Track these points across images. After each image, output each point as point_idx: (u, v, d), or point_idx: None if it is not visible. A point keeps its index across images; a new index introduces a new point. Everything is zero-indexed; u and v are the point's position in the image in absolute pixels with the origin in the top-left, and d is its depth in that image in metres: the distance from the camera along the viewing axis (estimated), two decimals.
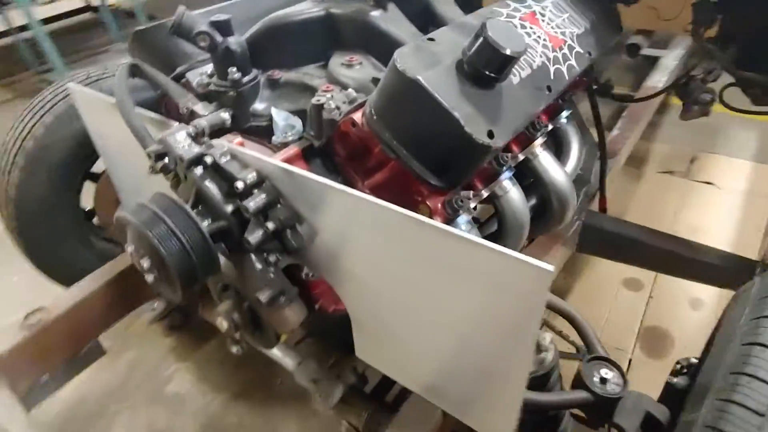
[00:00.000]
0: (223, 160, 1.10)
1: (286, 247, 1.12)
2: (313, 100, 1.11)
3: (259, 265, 1.08)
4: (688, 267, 1.73)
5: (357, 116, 1.05)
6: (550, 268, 0.70)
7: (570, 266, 2.33)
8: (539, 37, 1.16)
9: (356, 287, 1.01)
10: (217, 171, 1.10)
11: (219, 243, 1.10)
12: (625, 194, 2.83)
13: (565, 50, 1.19)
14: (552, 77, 1.13)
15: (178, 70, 1.40)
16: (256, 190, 1.08)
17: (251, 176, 1.07)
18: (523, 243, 1.34)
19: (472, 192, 1.13)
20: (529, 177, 1.41)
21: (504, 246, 1.25)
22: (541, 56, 1.12)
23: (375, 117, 1.00)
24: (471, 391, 0.92)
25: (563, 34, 1.21)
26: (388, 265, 0.88)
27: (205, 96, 1.29)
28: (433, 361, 0.96)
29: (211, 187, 1.10)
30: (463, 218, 1.09)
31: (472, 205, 1.10)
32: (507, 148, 1.33)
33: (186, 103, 1.29)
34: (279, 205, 1.07)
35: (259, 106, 1.28)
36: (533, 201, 1.51)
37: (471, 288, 0.78)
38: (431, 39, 1.02)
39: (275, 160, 1.05)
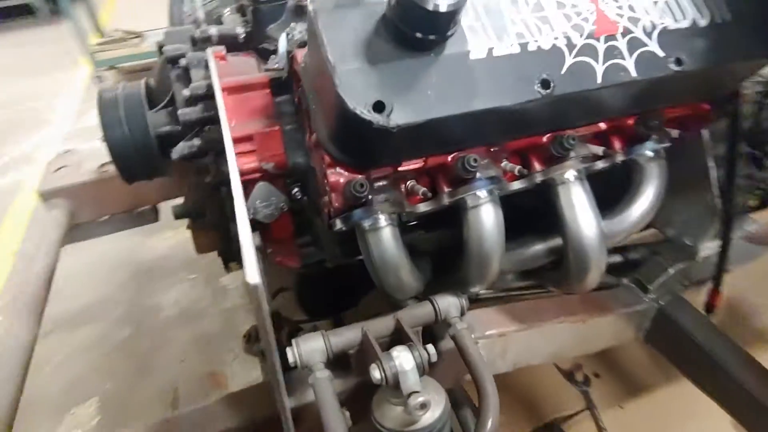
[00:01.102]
0: (192, 67, 1.09)
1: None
2: (286, 30, 1.00)
3: None
4: None
5: (301, 54, 0.91)
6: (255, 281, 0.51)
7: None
8: (577, 11, 0.81)
9: None
10: (186, 75, 1.10)
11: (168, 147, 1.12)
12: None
13: (620, 43, 0.81)
14: (563, 71, 0.79)
15: None
16: (198, 104, 1.05)
17: (200, 89, 1.04)
18: (491, 279, 1.04)
19: (408, 186, 0.90)
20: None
21: (464, 278, 1.02)
22: (558, 37, 0.79)
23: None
24: None
25: (631, 19, 0.82)
26: None
27: (239, 9, 1.28)
28: None
29: (176, 88, 1.10)
30: (360, 214, 0.88)
31: (382, 198, 0.88)
32: (506, 158, 1.02)
33: None
34: (211, 126, 1.03)
35: (276, 29, 1.22)
36: (552, 242, 1.16)
37: None
38: None
39: (218, 81, 0.99)
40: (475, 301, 1.53)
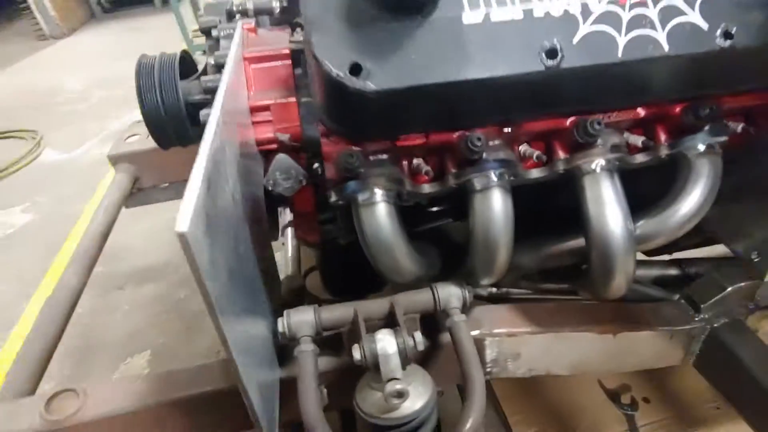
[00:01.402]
0: (222, 38, 1.12)
1: None
2: None
3: None
4: None
5: None
6: (182, 229, 0.51)
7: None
8: None
9: None
10: (217, 46, 1.13)
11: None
12: None
13: (651, 11, 0.70)
14: (576, 40, 0.70)
15: None
16: (218, 73, 1.07)
17: (224, 57, 1.07)
18: (499, 270, 0.96)
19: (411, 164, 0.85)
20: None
21: (471, 268, 0.96)
22: (571, 2, 0.69)
23: None
24: None
25: None
26: None
27: None
28: None
29: (208, 59, 1.14)
30: (354, 186, 0.85)
31: (378, 173, 0.84)
32: (525, 143, 0.94)
33: None
34: None
35: None
36: (578, 240, 1.05)
37: None
38: None
39: (236, 50, 1.01)
40: (502, 300, 1.45)
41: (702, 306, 1.20)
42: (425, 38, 0.67)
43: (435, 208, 1.28)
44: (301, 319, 0.95)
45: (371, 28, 0.66)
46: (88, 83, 6.00)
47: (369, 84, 0.66)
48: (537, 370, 1.17)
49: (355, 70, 0.65)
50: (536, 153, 0.92)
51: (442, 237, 1.28)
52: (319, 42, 0.65)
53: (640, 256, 1.56)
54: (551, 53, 0.69)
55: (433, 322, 1.05)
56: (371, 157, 0.86)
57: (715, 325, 1.20)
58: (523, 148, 0.94)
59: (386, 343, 0.86)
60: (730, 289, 1.17)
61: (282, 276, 1.66)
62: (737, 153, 1.15)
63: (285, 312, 0.96)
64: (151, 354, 2.29)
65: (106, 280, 2.68)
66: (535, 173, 0.96)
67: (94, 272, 1.56)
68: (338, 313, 0.97)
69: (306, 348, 0.92)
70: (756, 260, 1.17)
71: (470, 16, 0.67)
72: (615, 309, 1.18)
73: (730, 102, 0.93)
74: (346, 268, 1.42)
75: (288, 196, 1.15)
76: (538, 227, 1.22)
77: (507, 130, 0.87)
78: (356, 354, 0.86)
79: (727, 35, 0.72)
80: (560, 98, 0.79)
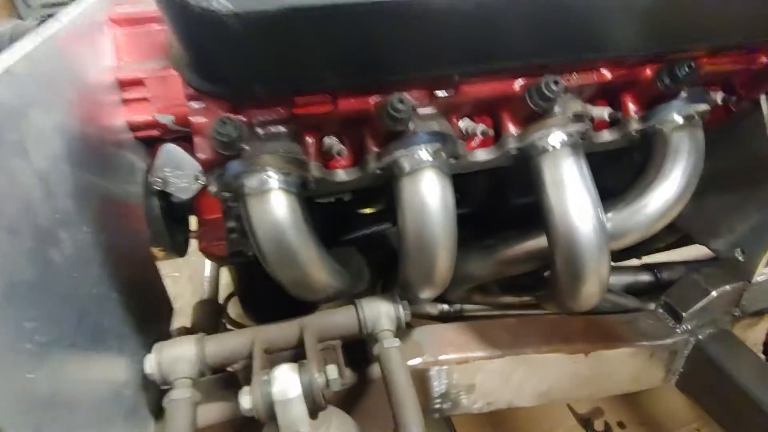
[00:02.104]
0: None
1: None
2: None
3: None
4: None
5: None
6: None
7: None
8: None
9: None
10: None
11: None
12: None
13: None
14: None
15: None
16: None
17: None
18: (440, 280, 0.74)
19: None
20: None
21: (404, 277, 0.74)
22: None
23: None
24: None
25: None
26: None
27: None
28: None
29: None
30: (237, 167, 0.62)
31: (274, 150, 0.61)
32: (466, 115, 0.74)
33: None
34: None
35: None
36: (539, 239, 0.86)
37: None
38: None
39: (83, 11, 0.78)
40: (455, 318, 1.24)
41: (684, 315, 1.02)
42: None
43: (369, 210, 1.06)
44: (178, 355, 0.70)
45: None
46: None
47: (224, 2, 0.44)
48: (497, 403, 0.96)
49: None
50: (481, 128, 0.72)
51: (379, 242, 1.06)
52: None
53: None
54: None
55: (363, 349, 0.82)
56: (260, 130, 0.63)
57: (700, 337, 1.02)
58: (464, 123, 0.74)
59: (285, 383, 0.62)
60: (714, 293, 1.00)
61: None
62: (713, 132, 1.00)
63: (155, 346, 0.71)
64: None
65: None
66: (481, 155, 0.76)
67: None
68: (231, 344, 0.73)
69: (179, 395, 0.67)
70: (741, 259, 1.01)
71: None
72: (586, 324, 0.99)
73: (710, 63, 0.77)
74: (267, 284, 1.18)
75: (185, 198, 0.92)
76: (491, 228, 1.02)
77: (441, 93, 0.67)
78: (244, 401, 0.62)
79: None
80: (498, 41, 0.60)
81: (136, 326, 0.74)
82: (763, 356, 1.07)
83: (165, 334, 0.97)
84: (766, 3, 0.68)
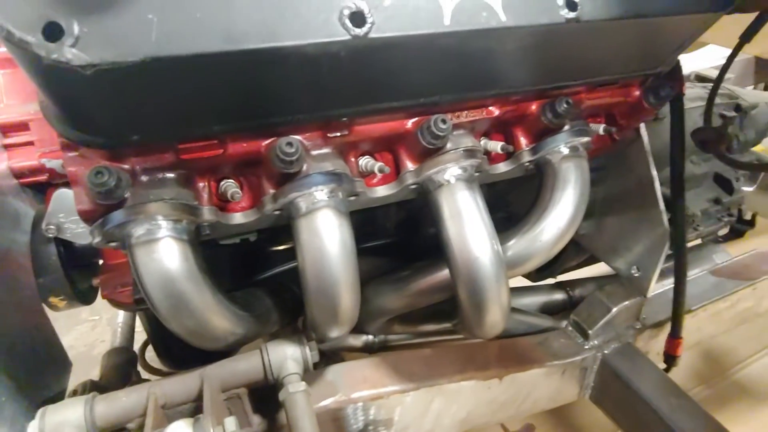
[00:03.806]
0: None
1: None
2: None
3: None
4: None
5: None
6: None
7: None
8: None
9: None
10: None
11: None
12: None
13: None
14: (387, 2, 0.53)
15: None
16: None
17: None
18: (347, 319, 0.74)
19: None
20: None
21: (309, 318, 0.73)
22: None
23: None
24: None
25: None
26: None
27: None
28: None
29: None
30: (121, 216, 0.60)
31: (155, 197, 0.59)
32: (367, 152, 0.75)
33: None
34: None
35: None
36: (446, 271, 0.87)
37: None
38: None
39: None
40: (380, 349, 1.23)
41: (590, 332, 1.08)
42: None
43: (281, 247, 1.05)
44: (62, 420, 0.65)
45: None
46: None
47: (79, 54, 0.43)
48: None
49: (53, 32, 0.42)
50: (378, 165, 0.73)
51: (294, 278, 1.04)
52: None
53: (524, 282, 1.45)
54: (356, 18, 0.51)
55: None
56: (144, 177, 0.61)
57: (606, 351, 1.07)
58: (363, 161, 0.75)
59: None
60: (615, 309, 1.07)
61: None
62: (607, 160, 1.07)
63: (40, 411, 0.65)
64: None
65: None
66: (382, 191, 0.77)
67: None
68: (124, 402, 0.69)
69: None
70: (636, 275, 1.08)
71: None
72: (500, 348, 1.01)
73: (590, 98, 0.83)
74: None
75: (84, 244, 0.87)
76: (408, 257, 1.04)
77: (334, 134, 0.68)
78: None
79: (570, 5, 0.60)
80: (383, 84, 0.62)
81: (15, 389, 0.68)
82: (664, 365, 1.14)
83: (61, 393, 0.89)
84: (633, 45, 0.75)
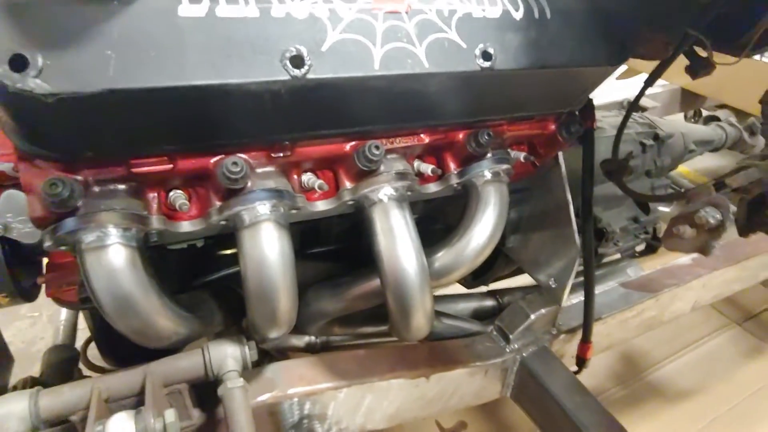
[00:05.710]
0: None
1: None
2: None
3: None
4: None
5: None
6: None
7: None
8: None
9: None
10: None
11: None
12: None
13: (407, 25, 0.65)
14: (325, 48, 0.61)
15: None
16: None
17: None
18: (285, 321, 0.81)
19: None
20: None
21: (251, 320, 0.80)
22: (317, 3, 0.61)
23: None
24: None
25: None
26: None
27: None
28: None
29: None
30: (73, 224, 0.65)
31: (111, 206, 0.65)
32: (309, 170, 0.83)
33: None
34: None
35: None
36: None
37: None
38: None
39: None
40: (323, 350, 1.31)
41: (511, 336, 1.19)
42: (127, 29, 0.51)
43: (228, 251, 1.10)
44: (6, 413, 0.69)
45: (47, 10, 0.49)
46: None
47: (40, 84, 0.48)
48: (350, 428, 1.04)
49: (19, 63, 0.47)
50: (318, 182, 0.81)
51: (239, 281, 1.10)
52: None
53: (460, 289, 1.56)
54: (296, 61, 0.59)
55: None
56: (97, 188, 0.66)
57: (524, 354, 1.19)
58: (306, 177, 0.83)
59: (118, 431, 0.64)
60: (533, 316, 1.19)
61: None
62: (531, 182, 1.19)
63: None
64: None
65: None
66: (321, 206, 0.85)
67: None
68: (69, 395, 0.73)
69: None
70: (554, 286, 1.20)
71: (189, 9, 0.54)
72: (429, 349, 1.11)
73: (511, 130, 0.94)
74: None
75: (31, 243, 0.90)
76: (350, 262, 1.12)
77: (277, 155, 0.75)
78: None
79: (486, 56, 0.70)
80: (321, 115, 0.70)
81: None
82: (576, 367, 1.27)
83: (2, 389, 0.92)
84: (543, 88, 0.86)
